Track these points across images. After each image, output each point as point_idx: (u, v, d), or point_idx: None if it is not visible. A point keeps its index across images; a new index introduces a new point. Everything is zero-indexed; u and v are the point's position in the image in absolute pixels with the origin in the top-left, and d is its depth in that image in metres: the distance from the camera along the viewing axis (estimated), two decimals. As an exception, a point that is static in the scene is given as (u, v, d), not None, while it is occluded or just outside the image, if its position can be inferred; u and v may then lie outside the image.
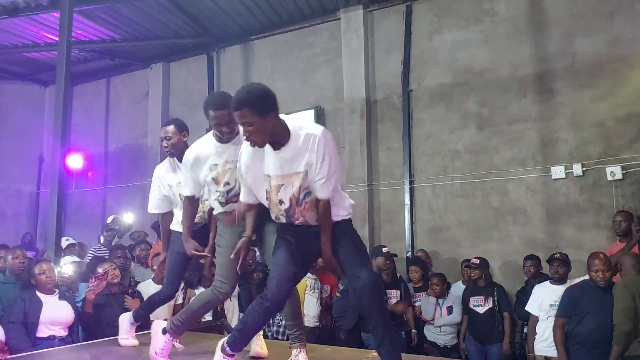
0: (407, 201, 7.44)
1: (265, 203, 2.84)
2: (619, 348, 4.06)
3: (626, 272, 4.32)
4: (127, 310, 4.56)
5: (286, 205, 2.74)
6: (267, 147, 2.71)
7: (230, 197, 3.23)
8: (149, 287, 5.18)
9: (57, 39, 6.45)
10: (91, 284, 4.48)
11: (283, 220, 2.81)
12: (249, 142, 2.66)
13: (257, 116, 2.54)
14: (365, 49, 7.99)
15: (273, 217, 2.86)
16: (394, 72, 7.81)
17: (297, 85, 8.69)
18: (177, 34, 9.23)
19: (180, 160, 3.73)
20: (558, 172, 6.52)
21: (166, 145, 3.80)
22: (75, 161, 10.04)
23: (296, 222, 2.78)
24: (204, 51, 9.70)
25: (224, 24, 8.94)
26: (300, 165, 2.66)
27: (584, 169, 6.40)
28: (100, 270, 4.74)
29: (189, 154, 3.34)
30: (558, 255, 4.97)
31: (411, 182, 7.41)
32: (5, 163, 10.83)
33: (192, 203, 3.47)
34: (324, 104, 8.36)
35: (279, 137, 2.65)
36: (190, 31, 9.14)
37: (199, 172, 3.30)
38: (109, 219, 8.37)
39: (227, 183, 3.23)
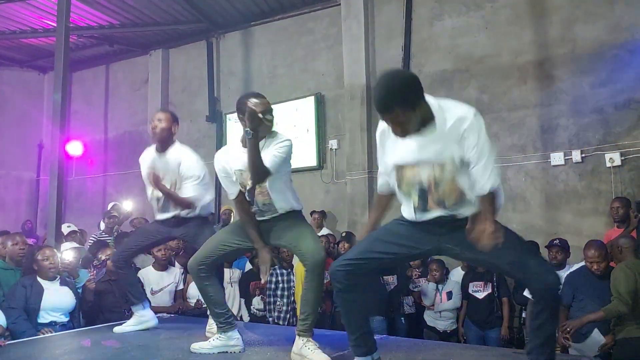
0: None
1: (396, 188, 2.61)
2: (604, 315, 4.07)
3: (625, 254, 4.33)
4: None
5: (423, 185, 2.45)
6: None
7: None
8: (149, 274, 5.22)
9: (56, 25, 6.41)
10: (91, 273, 4.49)
11: (415, 199, 2.50)
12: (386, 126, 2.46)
13: (409, 111, 2.30)
14: (365, 35, 7.96)
15: (402, 211, 2.59)
16: (395, 59, 7.79)
17: (297, 72, 8.67)
18: (177, 20, 9.20)
19: (161, 148, 3.87)
20: (557, 158, 6.54)
21: (155, 126, 3.83)
22: (74, 148, 10.04)
23: (431, 203, 2.46)
24: (204, 37, 9.67)
25: (223, 10, 8.91)
26: (442, 151, 2.38)
27: (583, 155, 6.42)
28: (101, 256, 4.77)
29: (215, 163, 3.35)
30: (557, 241, 5.00)
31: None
32: (4, 150, 10.83)
33: (241, 202, 3.36)
34: (324, 90, 8.35)
35: (422, 120, 2.38)
36: (190, 17, 9.10)
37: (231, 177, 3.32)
38: (109, 206, 8.40)
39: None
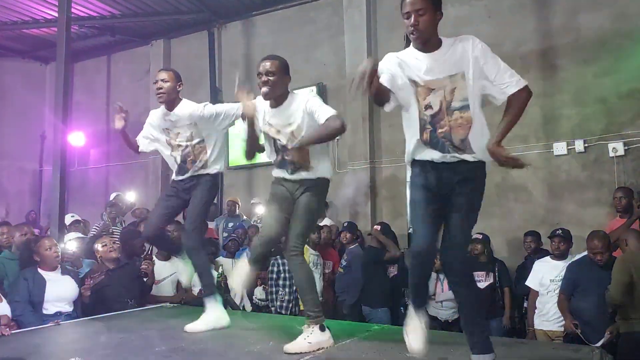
0: (409, 178, 7.43)
1: (407, 110, 2.69)
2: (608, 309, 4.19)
3: (631, 247, 4.33)
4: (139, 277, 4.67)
5: (434, 110, 2.58)
6: (412, 54, 2.64)
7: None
8: (155, 266, 5.22)
9: (57, 15, 6.40)
10: (87, 283, 4.43)
11: (427, 131, 2.60)
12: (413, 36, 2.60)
13: (432, 10, 2.55)
14: (367, 25, 7.93)
15: (414, 132, 2.66)
16: (397, 49, 7.56)
17: (299, 62, 8.62)
18: (178, 9, 9.16)
19: (168, 108, 3.81)
20: (560, 148, 6.52)
21: (161, 87, 3.76)
22: (77, 139, 10.04)
23: (440, 134, 2.56)
24: (205, 27, 9.63)
25: (225, -1, 8.87)
26: (454, 67, 2.54)
27: (586, 145, 6.40)
28: (98, 247, 4.73)
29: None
30: (560, 231, 4.99)
31: (414, 159, 7.40)
32: (7, 141, 10.85)
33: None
34: (326, 80, 8.33)
35: (434, 41, 2.59)
36: (191, 7, 9.07)
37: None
38: (112, 196, 8.42)
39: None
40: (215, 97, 9.41)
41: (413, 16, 2.53)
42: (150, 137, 4.06)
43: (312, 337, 3.09)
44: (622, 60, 6.24)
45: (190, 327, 3.63)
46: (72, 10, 6.79)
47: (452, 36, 2.78)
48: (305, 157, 3.16)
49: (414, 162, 2.73)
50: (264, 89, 3.25)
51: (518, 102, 2.52)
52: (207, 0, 8.89)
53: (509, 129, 2.53)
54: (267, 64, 3.27)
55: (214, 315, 3.74)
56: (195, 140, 3.83)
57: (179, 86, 3.85)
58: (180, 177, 3.92)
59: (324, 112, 3.14)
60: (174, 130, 3.87)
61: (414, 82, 2.61)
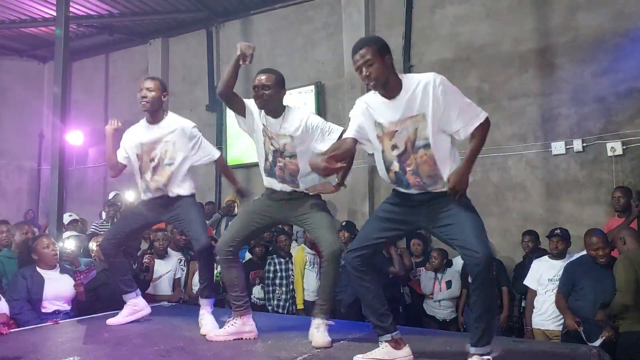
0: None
1: (377, 151, 2.84)
2: (611, 313, 4.11)
3: (629, 245, 4.33)
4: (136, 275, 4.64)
5: (400, 149, 2.72)
6: (377, 99, 2.79)
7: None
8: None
9: (55, 14, 6.39)
10: (77, 278, 4.42)
11: (395, 168, 2.75)
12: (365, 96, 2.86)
13: (378, 57, 2.69)
14: (366, 23, 7.92)
15: (383, 171, 2.83)
16: (395, 47, 7.75)
17: (297, 61, 8.64)
18: (176, 8, 9.16)
19: (151, 120, 3.69)
20: (558, 147, 6.53)
21: (145, 96, 3.62)
22: (75, 138, 10.03)
23: (408, 171, 2.71)
24: (203, 26, 9.63)
25: (223, -2, 8.87)
26: (415, 109, 2.65)
27: (584, 144, 6.41)
28: (93, 246, 4.72)
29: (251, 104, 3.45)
30: (558, 231, 4.98)
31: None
32: (5, 140, 10.84)
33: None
34: (324, 79, 8.33)
35: (393, 84, 2.71)
36: (190, 6, 9.07)
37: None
38: (111, 195, 8.41)
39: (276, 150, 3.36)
40: (214, 95, 9.41)
41: (364, 69, 2.72)
42: (126, 151, 3.87)
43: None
44: (620, 60, 6.25)
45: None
46: (71, 9, 6.77)
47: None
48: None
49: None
50: (259, 103, 3.29)
51: (479, 134, 2.67)
52: (205, -1, 8.89)
53: (473, 156, 2.69)
54: (263, 78, 3.29)
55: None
56: (167, 161, 3.67)
57: (164, 97, 3.70)
58: (151, 196, 3.80)
59: (335, 128, 3.35)
60: (150, 144, 3.71)
61: (380, 125, 2.77)
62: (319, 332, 3.18)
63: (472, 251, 2.54)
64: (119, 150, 3.91)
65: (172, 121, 3.74)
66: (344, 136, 2.94)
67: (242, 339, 3.32)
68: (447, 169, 2.69)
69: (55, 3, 6.37)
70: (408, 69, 7.56)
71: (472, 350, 2.63)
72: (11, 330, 3.65)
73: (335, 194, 3.50)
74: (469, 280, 2.84)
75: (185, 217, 3.70)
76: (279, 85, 3.34)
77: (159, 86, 3.68)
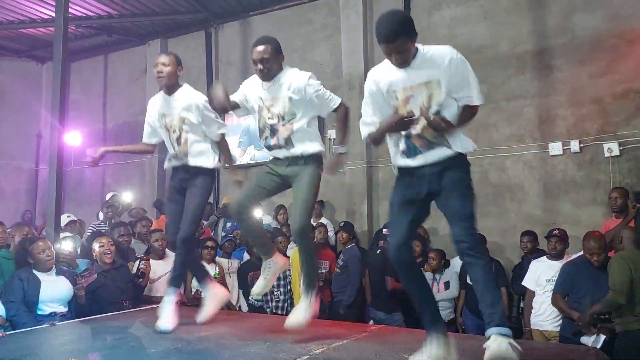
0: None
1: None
2: (603, 308, 4.14)
3: (625, 245, 4.35)
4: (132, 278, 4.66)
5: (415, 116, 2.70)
6: (390, 67, 2.75)
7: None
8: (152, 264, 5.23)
9: (54, 15, 6.39)
10: (79, 282, 4.42)
11: (403, 141, 2.76)
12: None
13: (409, 42, 2.63)
14: (364, 25, 7.94)
15: (394, 144, 2.83)
16: (393, 49, 7.77)
17: (296, 62, 8.60)
18: (175, 10, 9.16)
19: (168, 92, 3.76)
20: (556, 148, 6.55)
21: (161, 71, 3.69)
22: (73, 138, 10.02)
23: (414, 133, 2.70)
24: (202, 27, 9.63)
25: (222, -1, 8.88)
26: (429, 75, 2.66)
27: (582, 145, 6.43)
28: (95, 246, 4.72)
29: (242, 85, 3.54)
30: (557, 231, 5.00)
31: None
32: (3, 140, 10.82)
33: None
34: (323, 80, 8.13)
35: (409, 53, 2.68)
36: (188, 7, 9.07)
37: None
38: (108, 196, 8.40)
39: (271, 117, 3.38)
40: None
41: (395, 55, 2.66)
42: (151, 126, 3.99)
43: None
44: (617, 61, 6.27)
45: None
46: (70, 10, 6.77)
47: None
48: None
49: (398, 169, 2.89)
50: (262, 76, 3.34)
51: (471, 113, 2.73)
52: (204, 1, 8.89)
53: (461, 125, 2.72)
54: (261, 49, 3.29)
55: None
56: (185, 128, 3.77)
57: (179, 70, 3.79)
58: (174, 164, 3.89)
59: (335, 98, 3.48)
60: (169, 115, 3.81)
61: (394, 92, 2.75)
62: (297, 311, 3.35)
63: (458, 236, 2.62)
64: (145, 129, 4.04)
65: (187, 93, 3.79)
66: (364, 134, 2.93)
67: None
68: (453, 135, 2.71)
69: (54, 4, 6.37)
70: (406, 70, 7.56)
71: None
72: (7, 333, 3.64)
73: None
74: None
75: (188, 199, 3.78)
76: (276, 52, 3.37)
77: (174, 60, 3.75)
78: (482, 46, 7.11)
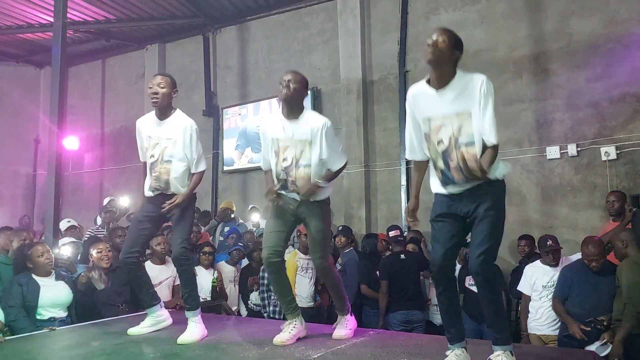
0: (403, 181, 7.48)
1: (425, 148, 2.88)
2: (629, 326, 4.04)
3: (629, 248, 4.33)
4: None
5: (444, 145, 2.74)
6: (426, 89, 2.80)
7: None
8: (148, 268, 5.21)
9: (52, 20, 6.40)
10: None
11: (440, 165, 2.78)
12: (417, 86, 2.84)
13: (450, 45, 2.73)
14: (361, 29, 7.97)
15: (433, 169, 2.87)
16: (391, 53, 7.80)
17: (293, 66, 8.64)
18: (173, 14, 9.18)
19: (161, 115, 3.72)
20: (553, 152, 6.57)
21: (156, 92, 3.65)
22: (71, 143, 10.02)
23: (452, 166, 2.73)
24: (200, 32, 9.65)
25: (219, 4, 8.90)
26: (461, 106, 2.70)
27: (579, 149, 6.44)
28: (93, 252, 4.72)
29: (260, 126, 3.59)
30: (550, 242, 4.94)
31: (408, 163, 7.43)
32: (1, 145, 10.81)
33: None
34: (321, 84, 8.36)
35: (447, 75, 2.74)
36: (186, 12, 9.09)
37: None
38: (106, 201, 8.40)
39: (285, 159, 3.40)
40: (210, 101, 9.44)
41: (431, 49, 2.73)
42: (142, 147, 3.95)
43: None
44: (614, 65, 6.29)
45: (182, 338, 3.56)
46: (68, 15, 6.78)
47: None
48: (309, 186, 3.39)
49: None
50: (283, 95, 3.38)
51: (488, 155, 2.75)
52: (202, 5, 8.90)
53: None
54: (289, 76, 3.38)
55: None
56: (166, 158, 3.70)
57: (174, 93, 3.75)
58: (153, 194, 3.81)
59: (341, 158, 3.54)
60: (155, 138, 3.76)
61: (428, 120, 2.81)
62: (337, 327, 3.58)
63: (472, 260, 2.70)
64: (140, 150, 4.02)
65: (178, 119, 3.75)
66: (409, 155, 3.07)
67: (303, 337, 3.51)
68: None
69: (52, 9, 6.38)
70: (403, 75, 7.60)
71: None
72: (6, 338, 3.64)
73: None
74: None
75: (176, 222, 3.74)
76: (303, 84, 3.43)
77: (169, 83, 3.72)
78: (479, 50, 7.13)
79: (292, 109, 3.41)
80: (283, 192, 3.49)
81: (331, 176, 3.49)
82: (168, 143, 3.70)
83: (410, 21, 7.69)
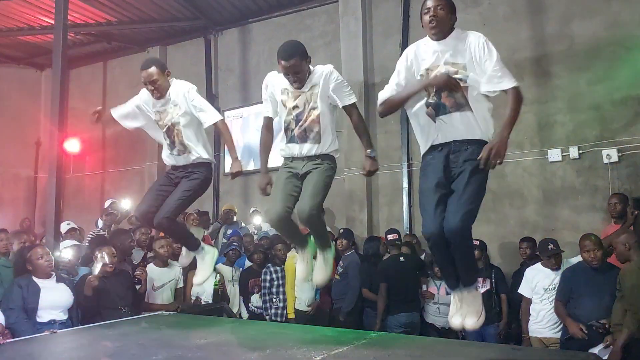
0: (405, 184, 7.47)
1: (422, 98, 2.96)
2: (629, 332, 4.00)
3: (632, 251, 4.32)
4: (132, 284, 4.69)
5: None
6: (426, 41, 2.97)
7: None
8: (151, 270, 5.22)
9: (53, 22, 6.41)
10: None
11: (433, 98, 2.89)
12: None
13: (449, 9, 2.92)
14: (363, 32, 7.97)
15: (421, 110, 2.95)
16: (392, 56, 7.77)
17: (295, 69, 8.67)
18: (174, 17, 9.19)
19: (159, 96, 3.90)
20: (555, 154, 6.56)
21: (153, 89, 3.85)
22: (72, 145, 10.01)
23: (444, 97, 2.86)
24: (201, 34, 9.66)
25: (221, 7, 8.91)
26: (457, 57, 2.87)
27: (581, 151, 6.44)
28: (99, 255, 4.71)
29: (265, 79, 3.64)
30: (552, 246, 4.93)
31: (409, 165, 7.43)
32: (2, 147, 10.80)
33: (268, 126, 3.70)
34: (322, 87, 8.33)
35: (446, 32, 2.91)
36: (188, 14, 9.10)
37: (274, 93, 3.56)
38: (107, 203, 8.38)
39: (297, 106, 3.43)
40: (211, 103, 9.38)
41: (432, 12, 2.88)
42: (135, 111, 4.15)
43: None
44: (615, 68, 6.29)
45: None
46: (69, 17, 6.79)
47: None
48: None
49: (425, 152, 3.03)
50: (296, 84, 3.43)
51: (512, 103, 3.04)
52: (203, 8, 8.91)
53: (510, 123, 3.03)
54: (292, 62, 3.36)
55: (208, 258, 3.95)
56: (176, 121, 3.89)
57: (168, 74, 3.93)
58: (174, 162, 3.99)
59: (353, 96, 3.57)
60: (164, 113, 3.96)
61: (426, 71, 2.93)
62: (318, 267, 3.58)
63: (452, 219, 2.74)
64: (119, 113, 4.30)
65: (176, 89, 3.94)
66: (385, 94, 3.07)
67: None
68: (482, 122, 2.97)
69: (53, 12, 6.39)
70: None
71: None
72: (7, 341, 3.63)
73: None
74: None
75: (182, 183, 3.91)
76: (305, 60, 3.45)
77: (158, 71, 3.89)
78: (481, 53, 7.12)
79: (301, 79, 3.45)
80: (287, 151, 3.51)
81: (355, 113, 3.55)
82: (174, 109, 3.91)
83: (412, 24, 7.69)
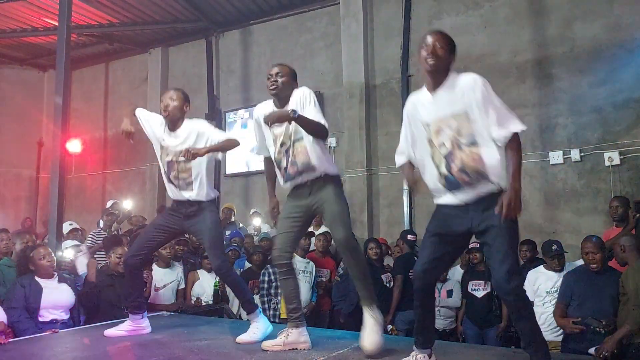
0: (405, 186, 7.47)
1: (428, 155, 2.78)
2: (630, 329, 3.96)
3: (628, 253, 4.32)
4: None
5: (447, 149, 2.66)
6: (423, 95, 2.79)
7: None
8: (154, 272, 5.23)
9: (56, 24, 6.43)
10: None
11: (444, 171, 2.68)
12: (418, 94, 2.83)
13: (446, 49, 2.67)
14: (364, 34, 7.98)
15: (433, 177, 2.76)
16: (393, 57, 7.81)
17: (296, 70, 8.65)
18: (176, 18, 9.22)
19: (172, 127, 3.72)
20: (556, 157, 6.56)
21: (167, 105, 3.66)
22: (74, 146, 10.04)
23: (455, 170, 2.63)
24: (203, 36, 9.68)
25: (223, 8, 8.93)
26: (456, 107, 2.63)
27: (582, 154, 6.44)
28: (113, 257, 4.73)
29: (255, 113, 3.56)
30: (556, 247, 4.93)
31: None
32: (4, 147, 10.85)
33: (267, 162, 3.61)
34: (323, 89, 8.36)
35: (442, 78, 2.69)
36: (189, 16, 9.12)
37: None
38: (109, 203, 8.40)
39: (283, 144, 3.37)
40: (213, 104, 9.46)
41: (428, 53, 2.67)
42: (149, 122, 3.92)
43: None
44: (617, 70, 6.29)
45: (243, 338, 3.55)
46: (72, 18, 6.80)
47: None
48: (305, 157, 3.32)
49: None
50: (272, 88, 3.42)
51: (510, 154, 2.63)
52: (205, 9, 8.93)
53: (516, 171, 2.59)
54: (276, 69, 3.43)
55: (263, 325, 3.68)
56: (182, 158, 3.65)
57: (186, 107, 3.74)
58: (180, 198, 3.76)
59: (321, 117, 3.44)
60: (168, 148, 3.77)
61: (428, 125, 2.74)
62: (366, 331, 3.19)
63: (500, 284, 2.54)
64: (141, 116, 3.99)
65: (188, 127, 3.75)
66: (398, 163, 3.07)
67: (296, 349, 3.26)
68: (495, 171, 2.61)
69: (56, 13, 6.41)
70: (406, 79, 7.61)
71: None
72: (9, 340, 3.64)
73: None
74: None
75: (203, 232, 3.70)
76: (292, 76, 3.53)
77: (181, 97, 3.72)
78: (482, 55, 7.14)
79: (282, 100, 3.45)
80: (290, 183, 3.44)
81: (310, 122, 3.33)
82: (182, 146, 3.67)
83: (413, 26, 7.70)
